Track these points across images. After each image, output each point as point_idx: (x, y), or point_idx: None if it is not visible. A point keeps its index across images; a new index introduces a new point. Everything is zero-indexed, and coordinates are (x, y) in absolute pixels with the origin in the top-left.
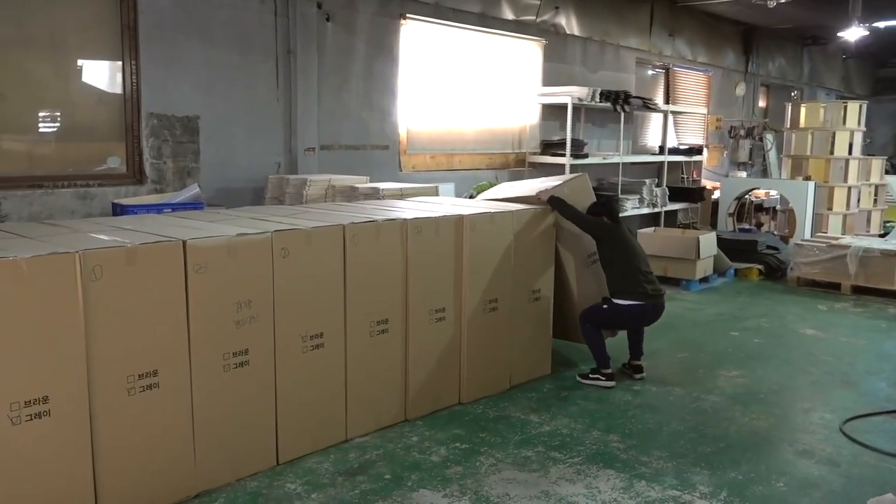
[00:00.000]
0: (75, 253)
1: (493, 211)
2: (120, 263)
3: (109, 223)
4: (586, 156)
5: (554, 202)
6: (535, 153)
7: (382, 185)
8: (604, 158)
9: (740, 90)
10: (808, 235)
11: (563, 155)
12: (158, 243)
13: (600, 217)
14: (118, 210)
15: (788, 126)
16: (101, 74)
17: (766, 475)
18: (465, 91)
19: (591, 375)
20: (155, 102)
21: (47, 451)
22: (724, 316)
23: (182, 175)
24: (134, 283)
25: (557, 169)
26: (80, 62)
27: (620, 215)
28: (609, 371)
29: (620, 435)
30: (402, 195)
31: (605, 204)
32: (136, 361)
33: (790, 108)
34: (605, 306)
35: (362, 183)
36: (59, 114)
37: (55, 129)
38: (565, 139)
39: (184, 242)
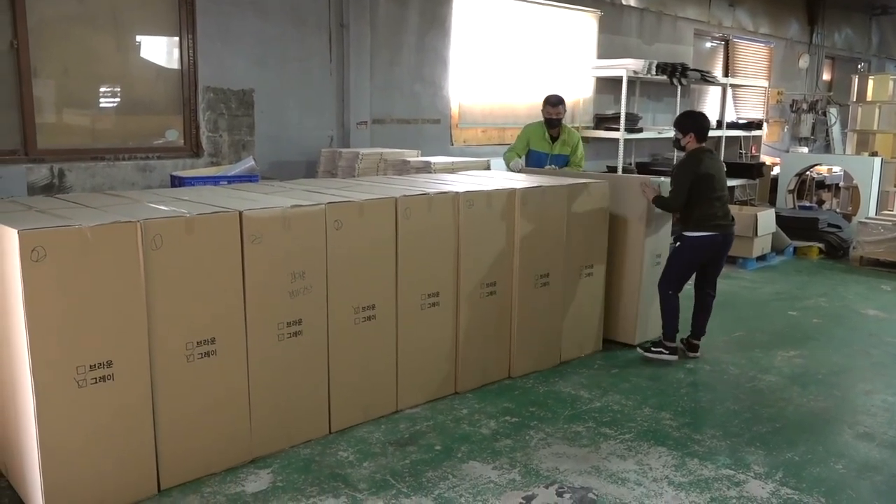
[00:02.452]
0: (137, 222)
1: (546, 185)
2: (179, 233)
3: (168, 194)
4: (640, 130)
5: (658, 201)
6: (588, 127)
7: (434, 159)
8: (659, 133)
9: (804, 62)
10: (872, 213)
11: (617, 129)
12: (216, 214)
13: (693, 145)
14: (176, 182)
15: (854, 100)
16: (159, 49)
17: (823, 457)
18: (518, 64)
19: (653, 349)
20: (211, 76)
21: (110, 414)
22: (782, 295)
23: (237, 148)
24: (192, 252)
25: (611, 144)
26: (138, 38)
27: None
28: (673, 345)
29: (673, 413)
30: (453, 169)
31: (696, 121)
32: (194, 329)
33: (857, 80)
34: (676, 243)
35: (414, 157)
36: (119, 88)
37: (116, 104)
38: (619, 113)
39: (240, 213)
